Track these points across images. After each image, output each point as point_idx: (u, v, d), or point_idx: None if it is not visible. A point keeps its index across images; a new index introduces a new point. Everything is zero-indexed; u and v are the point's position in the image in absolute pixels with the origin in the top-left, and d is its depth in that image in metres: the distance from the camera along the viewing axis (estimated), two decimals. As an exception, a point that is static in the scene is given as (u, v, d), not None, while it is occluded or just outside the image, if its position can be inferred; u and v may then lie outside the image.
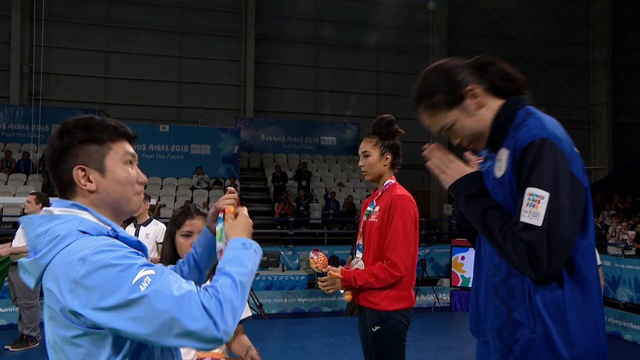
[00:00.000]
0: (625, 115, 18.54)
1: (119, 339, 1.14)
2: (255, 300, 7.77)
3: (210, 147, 14.39)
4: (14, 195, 12.00)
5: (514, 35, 17.48)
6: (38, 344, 5.72)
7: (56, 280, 1.12)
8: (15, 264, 5.45)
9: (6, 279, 5.91)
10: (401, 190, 2.73)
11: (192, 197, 13.14)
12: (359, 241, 2.82)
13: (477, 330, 1.58)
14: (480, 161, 1.63)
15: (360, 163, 2.80)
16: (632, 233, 11.21)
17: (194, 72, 15.90)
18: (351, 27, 16.81)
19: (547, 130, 1.38)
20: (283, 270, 9.76)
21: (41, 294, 5.91)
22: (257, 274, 8.19)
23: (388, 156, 2.75)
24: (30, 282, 1.19)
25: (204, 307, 1.09)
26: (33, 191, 7.51)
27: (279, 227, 12.68)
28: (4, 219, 11.88)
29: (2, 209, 11.98)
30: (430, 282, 9.66)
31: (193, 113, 15.73)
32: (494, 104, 1.52)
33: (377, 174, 2.77)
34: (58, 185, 1.28)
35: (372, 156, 2.74)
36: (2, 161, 13.32)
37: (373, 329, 2.62)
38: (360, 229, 2.83)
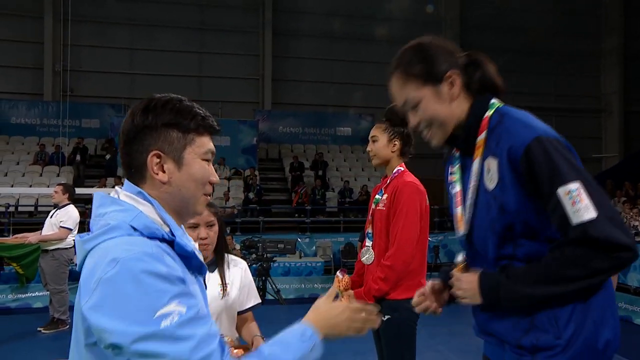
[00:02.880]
0: (637, 103, 18.44)
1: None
2: (273, 286, 8.05)
3: (230, 139, 14.81)
4: (48, 186, 12.45)
5: (525, 26, 17.49)
6: (67, 326, 5.92)
7: (87, 274, 1.01)
8: (46, 251, 5.95)
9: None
10: (409, 178, 2.67)
11: (213, 188, 13.71)
12: (369, 229, 2.78)
13: (484, 333, 1.50)
14: (453, 171, 1.54)
15: (369, 147, 2.78)
16: (642, 219, 11.49)
17: (214, 67, 16.33)
18: (365, 20, 17.04)
19: (533, 127, 1.32)
20: (300, 257, 10.14)
21: (70, 279, 6.27)
22: (274, 261, 8.68)
23: (396, 142, 2.70)
24: (77, 264, 1.10)
25: None
26: (61, 182, 7.99)
27: (296, 215, 13.18)
28: (39, 209, 12.57)
29: (37, 199, 12.70)
30: (443, 268, 10.01)
31: (213, 106, 16.19)
32: (465, 102, 1.43)
33: (384, 158, 2.73)
34: (127, 166, 1.14)
35: (380, 141, 2.71)
36: (36, 154, 14.00)
37: (383, 318, 2.53)
38: (369, 217, 2.79)
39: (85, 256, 1.06)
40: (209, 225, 2.12)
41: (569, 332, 1.30)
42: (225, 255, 2.24)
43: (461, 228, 1.44)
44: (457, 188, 1.48)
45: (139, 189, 1.13)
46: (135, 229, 1.05)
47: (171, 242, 1.09)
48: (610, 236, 1.21)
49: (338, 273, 2.69)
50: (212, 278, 2.16)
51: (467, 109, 1.42)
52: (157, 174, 1.12)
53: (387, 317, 2.56)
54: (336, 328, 1.20)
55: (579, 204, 1.22)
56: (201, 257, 1.17)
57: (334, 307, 1.24)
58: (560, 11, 17.87)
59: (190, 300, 1.00)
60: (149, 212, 1.10)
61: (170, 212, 1.14)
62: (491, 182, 1.34)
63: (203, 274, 1.19)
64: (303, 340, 1.12)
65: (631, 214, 11.63)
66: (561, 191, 1.23)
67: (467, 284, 1.39)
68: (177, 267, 1.04)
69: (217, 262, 2.19)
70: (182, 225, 1.22)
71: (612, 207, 1.25)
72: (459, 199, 1.46)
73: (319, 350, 1.14)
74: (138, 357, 0.94)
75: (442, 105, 1.41)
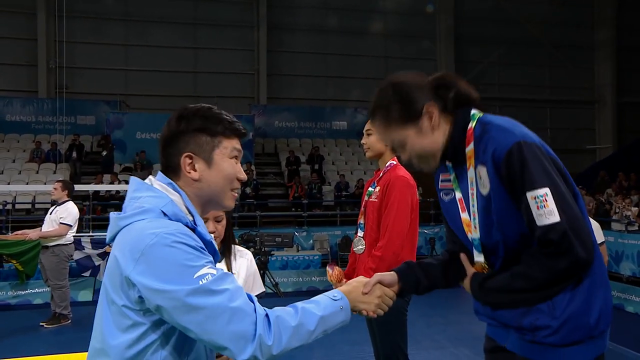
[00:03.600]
0: (629, 94, 18.54)
1: (162, 320, 1.15)
2: (272, 279, 8.12)
3: (226, 134, 14.95)
4: (45, 184, 12.38)
5: (519, 18, 17.54)
6: (69, 321, 6.02)
7: (124, 247, 1.15)
8: (46, 247, 5.99)
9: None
10: (401, 172, 2.76)
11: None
12: (361, 220, 2.89)
13: (486, 315, 1.60)
14: (445, 178, 1.62)
15: (363, 141, 2.88)
16: (635, 209, 11.60)
17: (209, 62, 16.32)
18: (359, 14, 17.03)
19: (513, 133, 1.40)
20: (298, 251, 10.21)
21: (70, 275, 6.35)
22: (272, 254, 8.74)
23: None
24: (107, 237, 1.25)
25: (254, 330, 1.11)
26: (59, 179, 8.03)
27: (293, 209, 13.24)
28: (36, 206, 12.56)
29: (34, 197, 12.65)
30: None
31: (209, 101, 15.49)
32: (446, 124, 1.51)
33: (377, 152, 2.83)
34: (164, 165, 1.30)
35: (374, 135, 2.80)
36: (32, 152, 13.96)
37: None
38: (362, 208, 2.90)
39: (118, 232, 1.22)
40: (218, 220, 2.22)
41: (563, 313, 1.41)
42: (232, 246, 2.33)
43: (471, 232, 1.54)
44: (459, 195, 1.57)
45: (169, 180, 1.28)
46: (165, 213, 1.20)
47: (193, 229, 1.23)
48: (566, 241, 1.32)
49: (327, 267, 2.87)
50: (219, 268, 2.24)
51: (449, 129, 1.51)
52: (190, 172, 1.27)
53: None
54: (364, 304, 1.40)
55: (544, 208, 1.32)
56: (216, 246, 1.32)
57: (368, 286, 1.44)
58: (554, 3, 17.91)
59: (216, 266, 1.19)
60: (177, 201, 1.25)
61: (197, 204, 1.30)
62: (484, 187, 1.44)
63: (216, 262, 1.31)
64: (333, 300, 1.29)
65: (623, 204, 11.76)
66: (529, 195, 1.34)
67: (466, 286, 1.57)
68: (202, 244, 1.21)
69: (224, 253, 2.28)
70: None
71: (576, 215, 1.35)
72: (462, 205, 1.56)
73: (348, 313, 1.31)
74: (185, 311, 1.10)
75: (425, 139, 1.50)
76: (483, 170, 1.43)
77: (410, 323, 2.80)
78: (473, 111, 1.51)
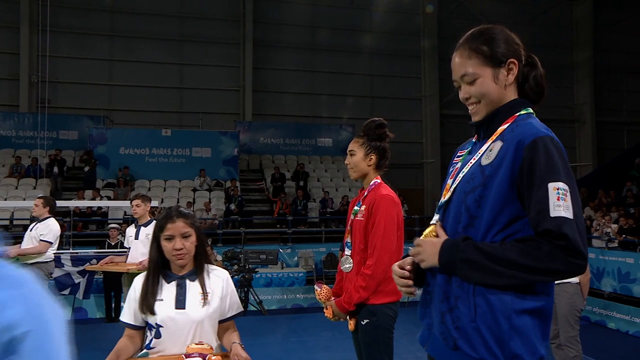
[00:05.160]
0: (608, 113, 19.04)
1: None
2: (256, 297, 8.06)
3: (211, 150, 14.80)
4: (24, 199, 12.21)
5: (501, 38, 17.98)
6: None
7: None
8: (24, 264, 5.67)
9: None
10: (385, 190, 2.78)
11: (194, 199, 13.65)
12: (347, 239, 2.89)
13: (423, 314, 1.61)
14: (461, 154, 1.65)
15: (346, 161, 2.89)
16: (615, 226, 11.76)
17: (195, 78, 16.30)
18: (346, 32, 17.22)
19: (548, 130, 1.42)
20: (282, 268, 10.19)
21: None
22: (256, 272, 8.65)
23: (372, 157, 2.82)
24: None
25: None
26: (40, 195, 7.90)
27: (278, 226, 13.17)
28: (14, 222, 12.34)
29: (12, 213, 12.43)
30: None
31: (194, 117, 16.21)
32: (512, 94, 1.54)
33: (361, 172, 2.85)
34: None
35: (357, 155, 2.83)
36: (12, 167, 13.75)
37: (362, 322, 2.69)
38: (348, 227, 2.91)
39: None
40: (185, 236, 2.17)
41: (483, 321, 1.39)
42: (206, 265, 2.27)
43: (444, 197, 1.56)
44: (458, 165, 1.60)
45: None
46: None
47: None
48: (577, 240, 1.30)
49: (315, 286, 2.87)
50: (193, 287, 2.21)
51: (508, 100, 1.53)
52: None
53: (365, 321, 2.69)
54: None
55: (563, 201, 1.32)
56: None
57: None
58: (536, 25, 18.34)
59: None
60: None
61: None
62: (487, 159, 1.45)
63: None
64: None
65: (603, 221, 11.91)
66: (551, 185, 1.33)
67: (429, 246, 1.48)
68: None
69: (196, 272, 2.23)
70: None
71: (583, 223, 1.35)
72: (454, 173, 1.58)
73: None
74: None
75: (494, 86, 1.51)
76: (497, 145, 1.45)
77: (395, 340, 2.77)
78: (529, 108, 1.54)
